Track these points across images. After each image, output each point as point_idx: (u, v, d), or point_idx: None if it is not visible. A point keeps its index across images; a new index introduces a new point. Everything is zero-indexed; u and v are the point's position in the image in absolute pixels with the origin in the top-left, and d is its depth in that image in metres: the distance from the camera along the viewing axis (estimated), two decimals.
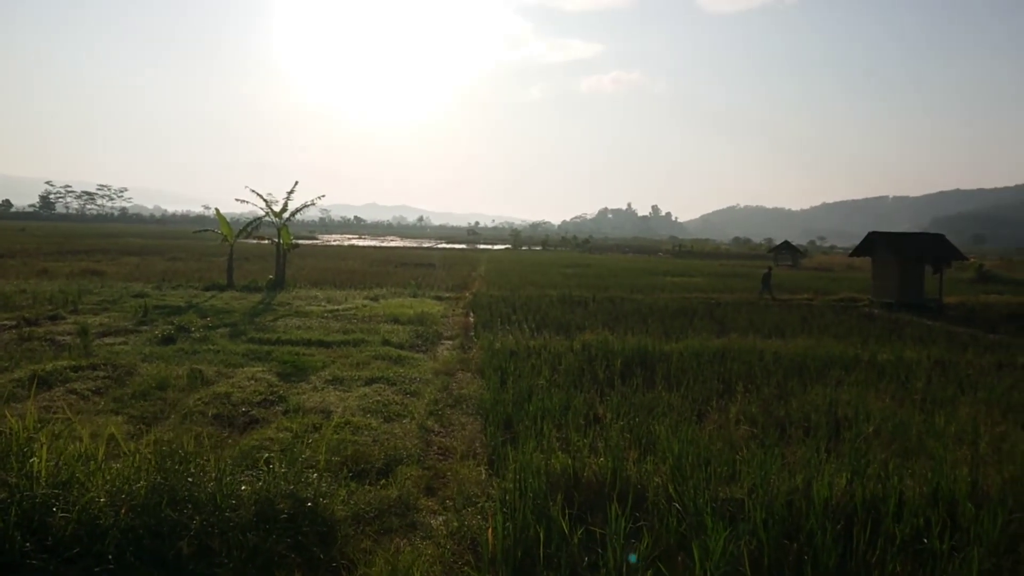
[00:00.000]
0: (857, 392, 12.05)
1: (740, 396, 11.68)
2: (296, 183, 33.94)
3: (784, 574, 4.74)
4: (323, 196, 36.42)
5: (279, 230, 33.75)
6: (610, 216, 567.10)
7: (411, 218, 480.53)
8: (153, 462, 5.50)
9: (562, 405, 10.64)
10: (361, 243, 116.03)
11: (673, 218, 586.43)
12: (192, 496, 5.19)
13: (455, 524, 5.60)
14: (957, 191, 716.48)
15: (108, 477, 5.45)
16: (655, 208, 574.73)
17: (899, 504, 5.70)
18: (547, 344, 16.78)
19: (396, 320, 22.90)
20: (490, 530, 4.86)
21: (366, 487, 6.44)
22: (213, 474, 5.49)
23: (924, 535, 5.16)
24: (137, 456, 5.62)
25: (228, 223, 33.75)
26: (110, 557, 4.86)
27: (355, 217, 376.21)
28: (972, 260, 56.96)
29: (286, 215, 34.22)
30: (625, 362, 14.45)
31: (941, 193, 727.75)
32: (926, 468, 6.89)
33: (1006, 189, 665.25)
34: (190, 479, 5.33)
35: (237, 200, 34.43)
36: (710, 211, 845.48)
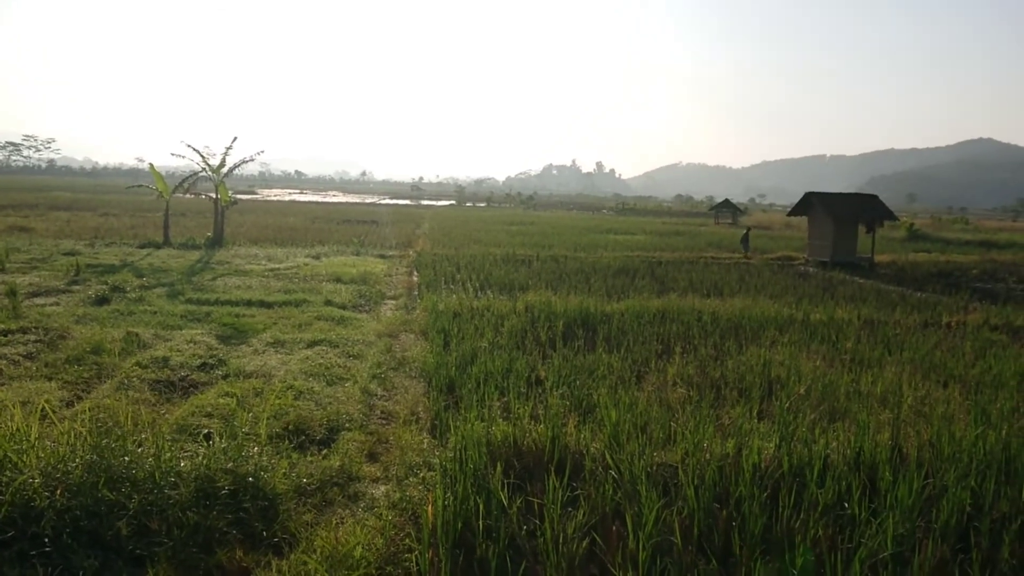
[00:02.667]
0: (790, 353, 12.43)
1: (678, 357, 11.95)
2: (235, 138, 33.12)
3: (713, 540, 4.95)
4: (262, 152, 35.64)
5: (217, 186, 32.95)
6: (555, 172, 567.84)
7: (354, 173, 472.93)
8: (89, 439, 5.41)
9: (504, 368, 10.75)
10: (303, 198, 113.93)
11: (617, 175, 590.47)
12: (130, 474, 5.13)
13: (396, 495, 5.67)
14: (891, 151, 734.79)
15: (42, 455, 5.34)
16: (599, 165, 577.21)
17: (824, 469, 5.96)
18: (491, 305, 16.87)
19: (339, 279, 22.73)
20: (430, 505, 4.94)
21: (308, 458, 6.45)
22: (151, 450, 5.42)
23: (845, 500, 5.43)
24: (72, 433, 5.52)
25: (163, 178, 32.78)
26: (46, 540, 4.79)
27: (296, 171, 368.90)
28: (904, 219, 58.74)
29: (224, 171, 33.37)
30: (567, 324, 14.64)
31: (876, 152, 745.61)
32: (851, 432, 7.20)
33: (938, 149, 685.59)
34: (127, 457, 5.25)
35: (173, 155, 33.47)
36: (653, 168, 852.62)
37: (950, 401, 9.61)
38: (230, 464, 5.40)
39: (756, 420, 8.59)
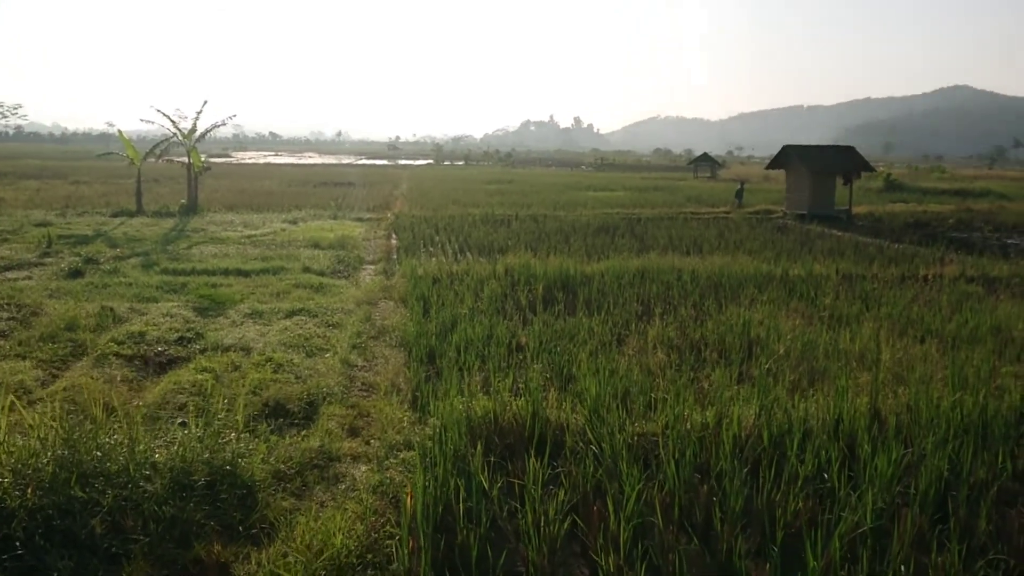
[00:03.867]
0: (769, 311, 12.47)
1: (658, 319, 11.95)
2: (205, 102, 32.40)
3: (694, 515, 4.97)
4: (234, 116, 35.02)
5: (189, 152, 32.33)
6: (532, 128, 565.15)
7: (329, 133, 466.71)
8: (60, 431, 5.28)
9: (485, 335, 10.71)
10: (278, 160, 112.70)
11: (595, 130, 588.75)
12: (103, 468, 5.01)
13: (376, 478, 5.62)
14: (868, 100, 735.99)
15: (12, 450, 5.22)
16: (577, 120, 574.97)
17: (804, 438, 5.97)
18: (470, 269, 16.78)
19: (316, 245, 22.55)
20: (409, 494, 4.90)
21: (287, 440, 6.36)
22: (125, 441, 5.29)
23: (825, 471, 5.46)
24: (43, 427, 5.38)
25: (133, 145, 32.13)
26: (18, 542, 4.67)
27: (270, 133, 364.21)
28: (881, 170, 58.91)
29: (196, 136, 32.72)
30: (547, 286, 14.59)
31: (853, 102, 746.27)
32: (830, 397, 7.23)
33: (914, 97, 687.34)
34: (99, 451, 5.11)
35: (142, 120, 32.81)
36: (631, 122, 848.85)
37: (927, 358, 9.68)
38: (206, 454, 5.28)
39: (736, 384, 8.63)
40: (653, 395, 7.83)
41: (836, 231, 28.42)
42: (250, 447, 5.65)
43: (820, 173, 34.10)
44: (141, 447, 5.22)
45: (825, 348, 10.08)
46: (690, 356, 9.86)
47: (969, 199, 46.89)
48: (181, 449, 5.26)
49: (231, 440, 5.66)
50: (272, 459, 5.74)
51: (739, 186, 40.67)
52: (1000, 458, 5.70)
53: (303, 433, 6.73)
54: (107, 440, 5.26)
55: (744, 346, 10.29)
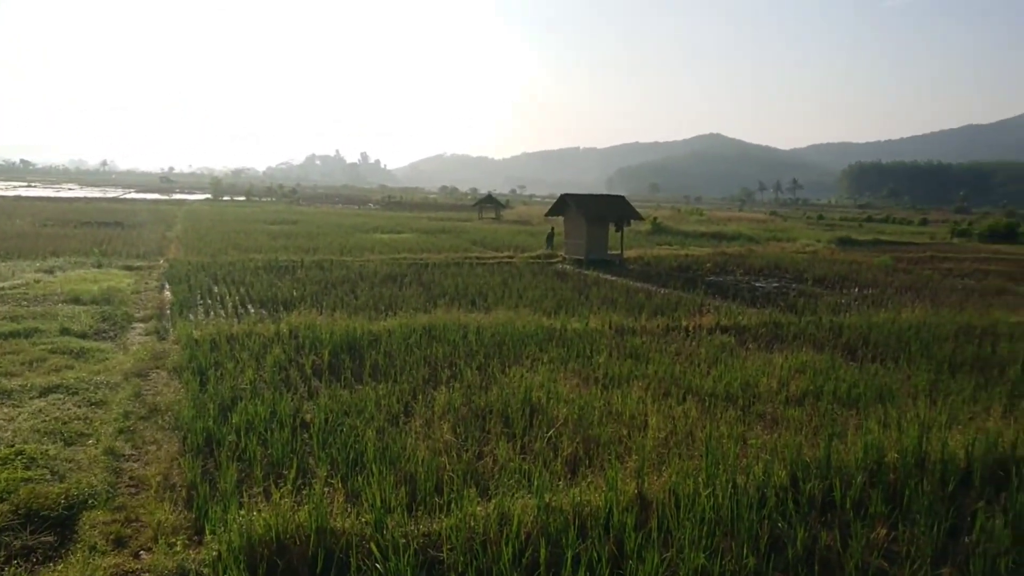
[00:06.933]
0: (549, 372, 13.05)
1: (445, 386, 12.13)
2: None
3: None
4: None
5: None
6: (318, 163, 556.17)
7: (92, 162, 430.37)
8: None
9: (268, 412, 10.36)
10: (30, 193, 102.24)
11: (383, 165, 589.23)
12: None
13: None
14: (636, 144, 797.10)
15: None
16: (364, 155, 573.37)
17: (579, 535, 6.31)
18: (252, 330, 16.16)
19: (77, 300, 20.69)
20: None
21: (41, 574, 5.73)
22: None
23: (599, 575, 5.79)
24: None
25: None
26: None
27: (21, 160, 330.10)
28: (648, 216, 63.84)
29: None
30: (333, 351, 14.36)
31: (623, 145, 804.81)
32: (601, 477, 7.70)
33: (675, 143, 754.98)
34: None
35: None
36: (418, 158, 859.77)
37: (688, 417, 10.58)
38: None
39: (519, 456, 8.97)
40: (440, 476, 7.97)
41: (610, 276, 30.42)
42: None
43: (595, 221, 36.41)
44: None
45: (600, 412, 10.73)
46: (475, 428, 10.11)
47: (724, 242, 52.08)
48: None
49: None
50: None
51: (550, 231, 44.18)
52: (744, 552, 6.29)
53: (59, 567, 6.10)
54: None
55: (526, 414, 10.69)
